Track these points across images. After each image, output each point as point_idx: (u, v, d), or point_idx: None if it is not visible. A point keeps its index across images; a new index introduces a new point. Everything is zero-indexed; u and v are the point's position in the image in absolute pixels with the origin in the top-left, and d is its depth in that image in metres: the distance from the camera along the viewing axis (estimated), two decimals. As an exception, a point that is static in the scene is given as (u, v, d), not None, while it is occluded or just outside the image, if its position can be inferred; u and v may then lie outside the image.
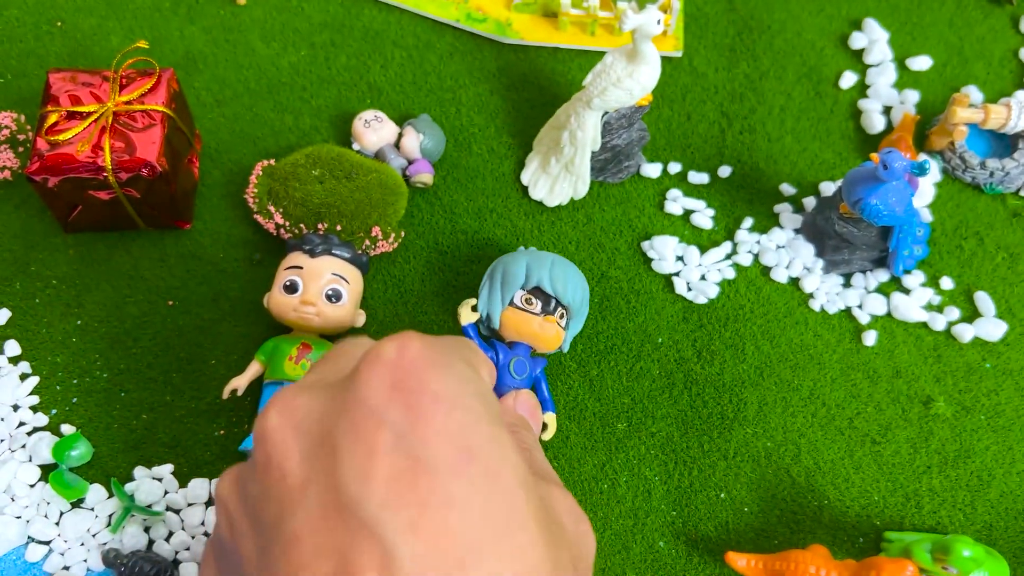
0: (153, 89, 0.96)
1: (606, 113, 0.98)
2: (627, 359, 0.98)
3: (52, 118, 0.93)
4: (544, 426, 0.91)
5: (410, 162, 1.04)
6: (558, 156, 1.02)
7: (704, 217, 1.05)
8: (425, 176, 1.03)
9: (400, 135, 1.05)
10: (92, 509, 0.88)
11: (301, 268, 0.92)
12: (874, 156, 0.88)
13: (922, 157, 1.05)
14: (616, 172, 1.05)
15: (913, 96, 1.13)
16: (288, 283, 0.91)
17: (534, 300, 0.91)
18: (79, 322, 0.97)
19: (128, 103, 0.95)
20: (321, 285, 0.91)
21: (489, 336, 0.93)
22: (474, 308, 0.93)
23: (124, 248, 1.01)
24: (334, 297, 0.91)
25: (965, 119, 1.03)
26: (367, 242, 0.97)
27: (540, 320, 0.90)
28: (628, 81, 0.93)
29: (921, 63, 1.15)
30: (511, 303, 0.91)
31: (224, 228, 1.02)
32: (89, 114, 0.93)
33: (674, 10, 1.10)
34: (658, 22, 0.89)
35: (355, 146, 1.04)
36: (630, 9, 0.88)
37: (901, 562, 0.78)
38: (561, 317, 0.91)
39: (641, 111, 1.00)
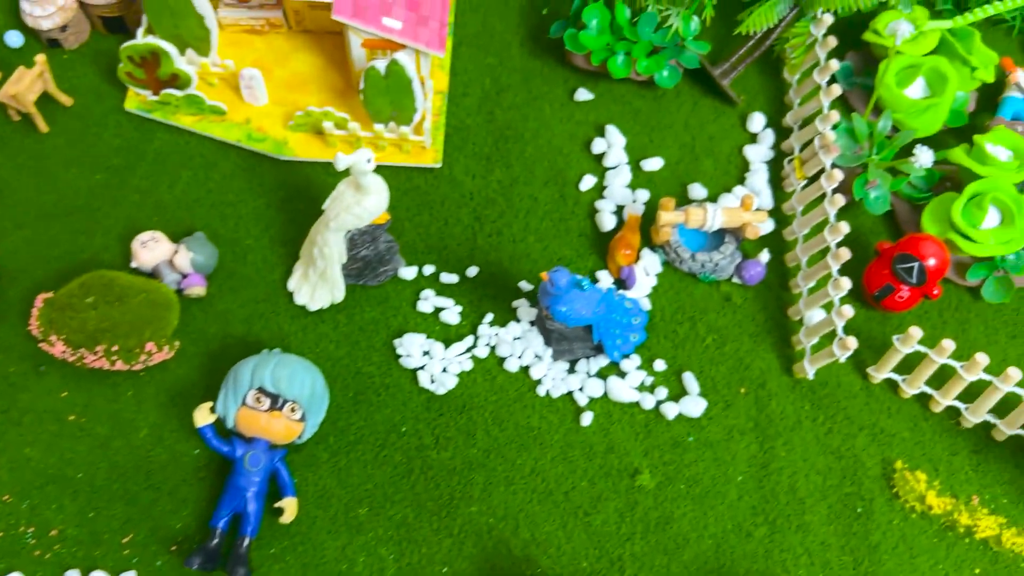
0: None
1: (349, 231, 1.12)
2: (373, 448, 1.10)
3: None
4: (280, 511, 1.04)
5: (184, 276, 1.17)
6: (314, 267, 1.15)
7: (452, 314, 1.18)
8: (197, 289, 1.16)
9: (176, 252, 1.17)
10: None
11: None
12: (543, 275, 1.03)
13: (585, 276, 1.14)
14: (375, 276, 1.19)
15: (644, 195, 1.27)
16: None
17: (263, 398, 1.04)
18: None
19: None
20: None
21: (231, 432, 1.06)
22: (213, 410, 1.05)
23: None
24: None
25: (669, 221, 1.17)
26: (143, 356, 1.09)
27: (267, 416, 1.03)
28: (357, 208, 1.07)
29: (654, 164, 1.30)
30: (244, 403, 1.04)
31: (17, 342, 1.14)
32: None
33: (426, 130, 1.24)
34: (368, 160, 1.02)
35: (133, 263, 1.16)
36: (340, 152, 1.02)
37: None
38: (293, 411, 1.04)
39: (382, 228, 1.14)
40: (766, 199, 1.27)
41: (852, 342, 1.07)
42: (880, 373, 1.14)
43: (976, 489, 1.12)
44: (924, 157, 1.16)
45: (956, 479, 1.12)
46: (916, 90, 1.29)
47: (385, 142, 1.26)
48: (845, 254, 1.11)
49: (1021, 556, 1.08)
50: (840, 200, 1.15)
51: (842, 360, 1.11)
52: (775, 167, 1.31)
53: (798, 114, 1.31)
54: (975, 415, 1.12)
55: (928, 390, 1.13)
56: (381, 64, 1.16)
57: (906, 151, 1.25)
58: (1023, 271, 1.20)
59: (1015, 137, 1.22)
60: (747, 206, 1.18)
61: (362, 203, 1.07)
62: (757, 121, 1.33)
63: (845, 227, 1.12)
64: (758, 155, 1.31)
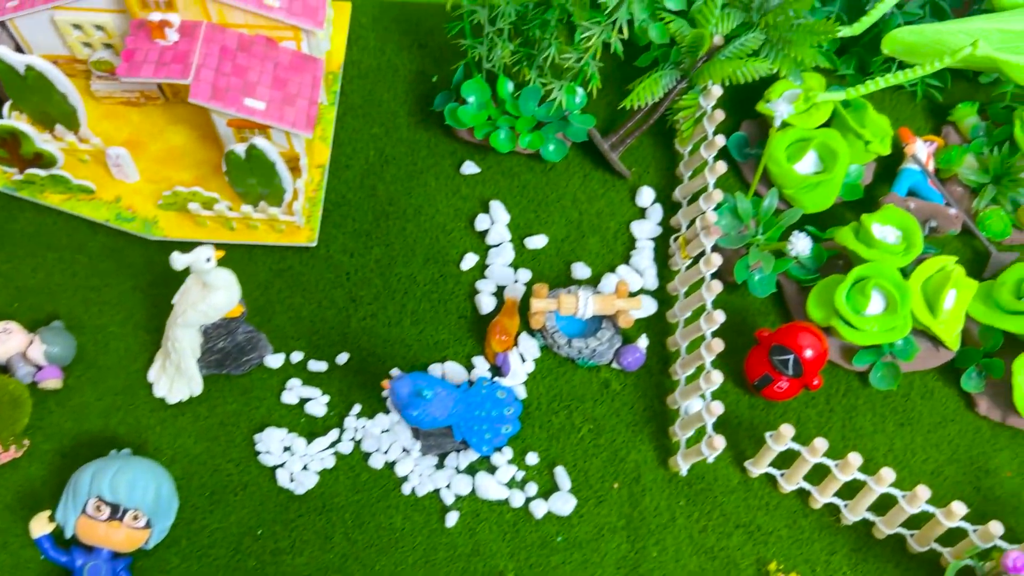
0: None
1: (203, 325, 1.08)
2: (227, 552, 1.06)
3: None
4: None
5: (39, 368, 1.12)
6: (170, 360, 1.10)
7: (318, 405, 1.14)
8: (52, 382, 1.11)
9: (31, 343, 1.13)
10: None
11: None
12: (384, 383, 0.99)
13: (421, 385, 1.07)
14: (238, 365, 1.14)
15: (525, 275, 1.23)
16: None
17: (103, 507, 0.99)
18: None
19: None
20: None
21: (72, 541, 1.01)
22: (52, 518, 1.01)
23: None
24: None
25: (541, 309, 1.13)
26: (-11, 453, 1.05)
27: (106, 526, 0.98)
28: (203, 305, 1.03)
29: (538, 241, 1.26)
30: (84, 511, 0.99)
31: None
32: None
33: (296, 210, 1.19)
34: (208, 259, 0.98)
35: (-16, 357, 1.12)
36: (176, 252, 0.98)
37: None
38: (135, 519, 1.00)
39: (238, 320, 1.09)
40: (650, 279, 1.23)
41: (720, 442, 1.03)
42: (757, 468, 1.10)
43: (856, 589, 1.08)
44: (800, 245, 1.12)
45: (837, 578, 1.08)
46: (807, 165, 1.25)
47: (257, 221, 1.22)
48: (718, 345, 1.07)
49: (896, 664, 1.04)
50: (717, 287, 1.11)
51: (710, 460, 1.07)
52: (663, 244, 1.27)
53: (687, 188, 1.27)
54: (854, 513, 1.07)
55: (806, 486, 1.09)
56: (240, 148, 1.12)
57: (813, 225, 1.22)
58: (911, 357, 1.16)
59: (904, 216, 1.19)
60: (621, 293, 1.14)
61: (208, 300, 1.03)
62: (646, 195, 1.29)
63: (720, 316, 1.08)
64: (645, 232, 1.27)
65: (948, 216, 1.23)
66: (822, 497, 1.08)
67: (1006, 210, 1.26)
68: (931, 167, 1.29)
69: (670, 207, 1.29)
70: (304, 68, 1.20)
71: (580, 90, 1.25)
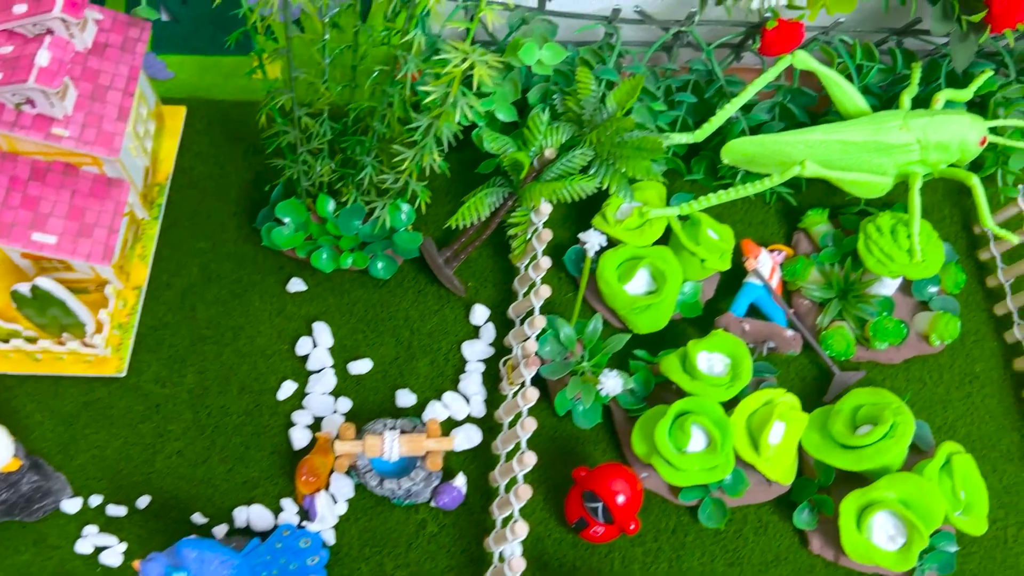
0: None
1: (-21, 478, 1.02)
2: None
3: None
4: None
5: None
6: (-51, 514, 1.04)
7: (114, 554, 1.08)
8: None
9: None
10: None
11: None
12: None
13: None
14: (30, 513, 1.08)
15: (346, 405, 1.17)
16: None
17: None
18: None
19: None
20: None
21: None
22: None
23: None
24: None
25: (346, 452, 1.07)
26: None
27: None
28: (-34, 465, 0.97)
29: (363, 366, 1.20)
30: None
31: None
32: None
33: (98, 343, 1.13)
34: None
35: None
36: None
37: None
38: None
39: (19, 473, 1.03)
40: (477, 406, 1.18)
41: (518, 603, 0.97)
42: (571, 620, 1.05)
43: None
44: (609, 385, 1.07)
45: None
46: (639, 285, 1.20)
47: (62, 352, 1.16)
48: (525, 492, 1.01)
49: None
50: (531, 425, 1.05)
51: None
52: (494, 366, 1.21)
53: (519, 307, 1.21)
54: (669, 669, 1.02)
55: (621, 640, 1.04)
56: (24, 288, 1.06)
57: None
58: (740, 492, 1.10)
59: (734, 343, 1.13)
60: (432, 432, 1.08)
61: (-27, 460, 0.97)
62: (480, 313, 1.23)
63: (531, 459, 1.03)
64: (476, 353, 1.21)
65: (785, 337, 1.18)
66: (636, 652, 1.03)
67: (849, 327, 1.22)
68: (778, 278, 1.25)
69: (504, 324, 1.24)
70: (106, 195, 1.14)
71: (405, 206, 1.20)
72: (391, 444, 1.07)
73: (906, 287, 1.26)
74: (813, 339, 1.22)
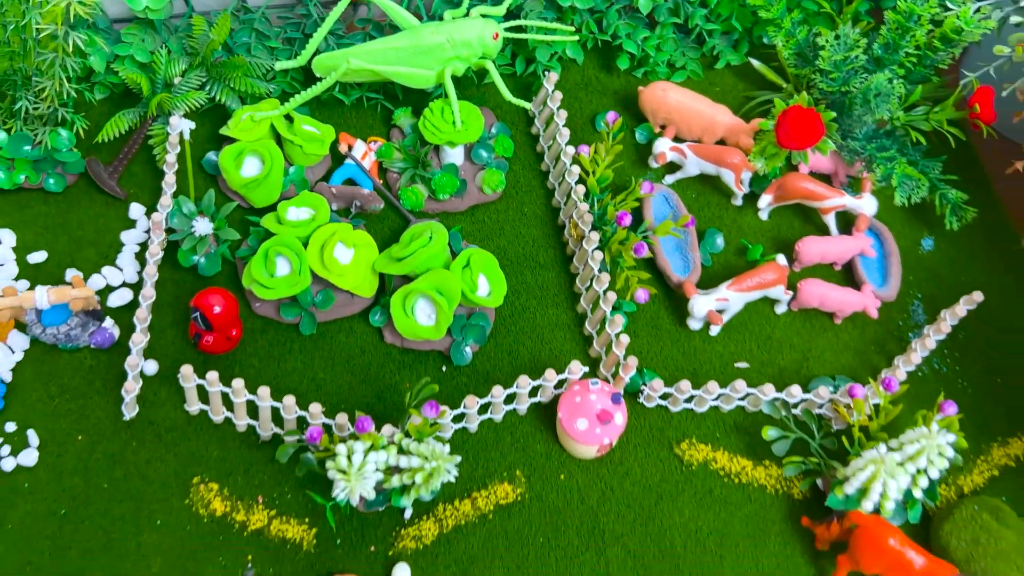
0: None
1: None
2: None
3: None
4: None
5: None
6: None
7: None
8: None
9: None
10: None
11: None
12: None
13: None
14: None
15: (24, 285, 1.50)
16: None
17: None
18: None
19: None
20: None
21: None
22: None
23: None
24: None
25: (8, 306, 1.39)
26: None
27: None
28: None
29: (39, 256, 1.52)
30: None
31: None
32: None
33: None
34: None
35: None
36: None
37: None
38: None
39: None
40: (130, 274, 1.52)
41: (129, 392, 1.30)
42: (191, 408, 1.38)
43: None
44: (200, 227, 1.43)
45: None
46: (251, 168, 1.57)
47: None
48: (139, 339, 1.35)
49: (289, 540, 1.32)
50: (150, 295, 1.40)
51: (127, 417, 1.34)
52: (146, 245, 1.56)
53: (166, 201, 1.57)
54: (264, 429, 1.36)
55: (230, 415, 1.37)
56: None
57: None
58: (329, 306, 1.47)
59: (315, 199, 1.51)
60: (76, 284, 1.42)
61: None
62: (136, 210, 1.58)
63: (143, 313, 1.37)
64: (132, 238, 1.55)
65: (365, 195, 1.56)
66: (240, 422, 1.37)
67: (422, 187, 1.61)
68: (371, 159, 1.63)
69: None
70: None
71: (64, 132, 1.54)
72: (42, 294, 1.39)
73: (469, 155, 1.66)
74: (394, 198, 1.60)
